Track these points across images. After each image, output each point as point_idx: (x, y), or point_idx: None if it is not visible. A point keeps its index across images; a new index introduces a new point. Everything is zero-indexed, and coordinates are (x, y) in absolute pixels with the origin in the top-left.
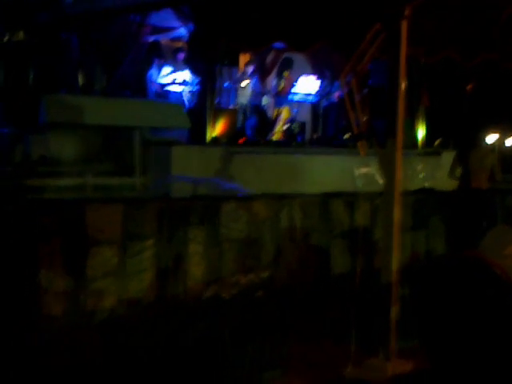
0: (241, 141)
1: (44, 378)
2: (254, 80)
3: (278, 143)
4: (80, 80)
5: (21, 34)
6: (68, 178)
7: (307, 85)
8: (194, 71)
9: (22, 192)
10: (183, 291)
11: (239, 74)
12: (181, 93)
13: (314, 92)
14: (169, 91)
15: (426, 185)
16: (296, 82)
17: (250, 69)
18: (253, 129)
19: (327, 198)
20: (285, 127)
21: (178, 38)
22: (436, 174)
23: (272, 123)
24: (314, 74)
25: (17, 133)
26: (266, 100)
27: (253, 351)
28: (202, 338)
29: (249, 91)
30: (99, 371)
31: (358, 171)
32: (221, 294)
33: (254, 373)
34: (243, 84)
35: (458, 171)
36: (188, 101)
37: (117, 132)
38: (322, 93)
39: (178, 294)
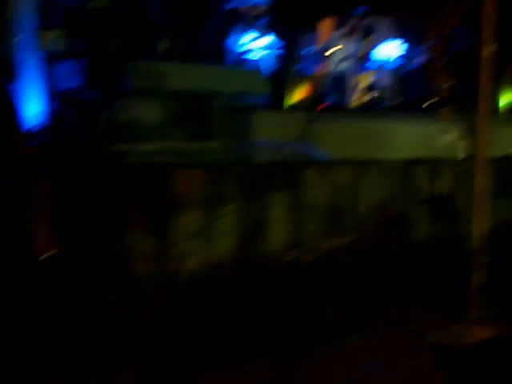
0: (321, 107)
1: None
2: (336, 46)
3: (358, 109)
4: (161, 46)
5: (104, 0)
6: (150, 142)
7: (389, 50)
8: (275, 37)
9: (108, 156)
10: (264, 255)
11: (320, 41)
12: (259, 59)
13: (395, 58)
14: (247, 58)
15: (510, 152)
16: (378, 47)
17: (332, 35)
18: (333, 95)
19: (409, 164)
20: (365, 93)
21: (257, 5)
22: None
23: (353, 89)
24: (396, 38)
25: (102, 99)
26: (347, 66)
27: (336, 313)
28: (284, 298)
29: (330, 57)
30: (181, 327)
31: (441, 138)
32: (302, 259)
33: (338, 334)
34: (329, 51)
35: None
36: (267, 67)
37: (197, 98)
38: (405, 58)
39: (259, 257)
